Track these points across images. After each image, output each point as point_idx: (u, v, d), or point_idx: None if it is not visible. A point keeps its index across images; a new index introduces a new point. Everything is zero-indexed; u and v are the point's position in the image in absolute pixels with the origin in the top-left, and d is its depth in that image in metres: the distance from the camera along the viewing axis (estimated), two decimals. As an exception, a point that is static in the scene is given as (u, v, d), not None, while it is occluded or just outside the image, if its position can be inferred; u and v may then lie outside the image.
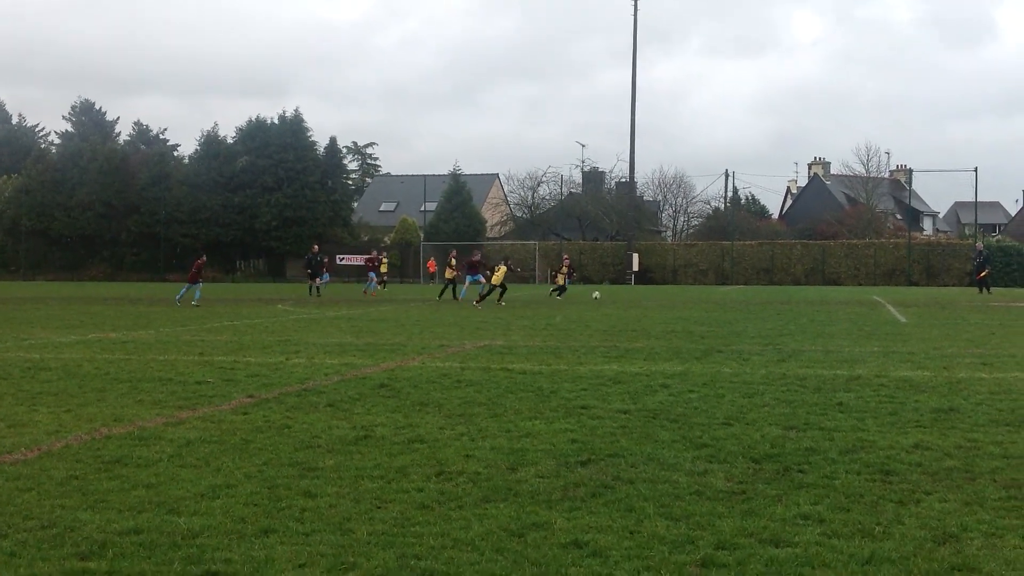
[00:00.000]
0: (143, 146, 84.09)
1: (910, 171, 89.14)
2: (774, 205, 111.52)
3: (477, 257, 38.65)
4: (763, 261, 72.36)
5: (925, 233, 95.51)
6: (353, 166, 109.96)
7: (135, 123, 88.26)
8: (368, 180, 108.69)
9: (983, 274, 46.43)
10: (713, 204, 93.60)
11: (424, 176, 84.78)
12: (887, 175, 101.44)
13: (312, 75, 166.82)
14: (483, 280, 36.76)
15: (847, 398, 11.14)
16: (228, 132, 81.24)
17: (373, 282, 45.16)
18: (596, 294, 31.55)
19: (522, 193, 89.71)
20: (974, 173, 71.53)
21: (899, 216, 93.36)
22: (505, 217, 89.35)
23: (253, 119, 79.26)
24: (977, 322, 25.03)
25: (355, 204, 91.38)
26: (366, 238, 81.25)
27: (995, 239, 78.58)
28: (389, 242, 77.96)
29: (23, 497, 6.69)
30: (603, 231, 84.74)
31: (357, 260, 70.07)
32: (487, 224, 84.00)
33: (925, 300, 40.05)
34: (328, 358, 15.76)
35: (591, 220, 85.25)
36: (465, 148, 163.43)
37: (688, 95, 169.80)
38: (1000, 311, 30.60)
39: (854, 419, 9.74)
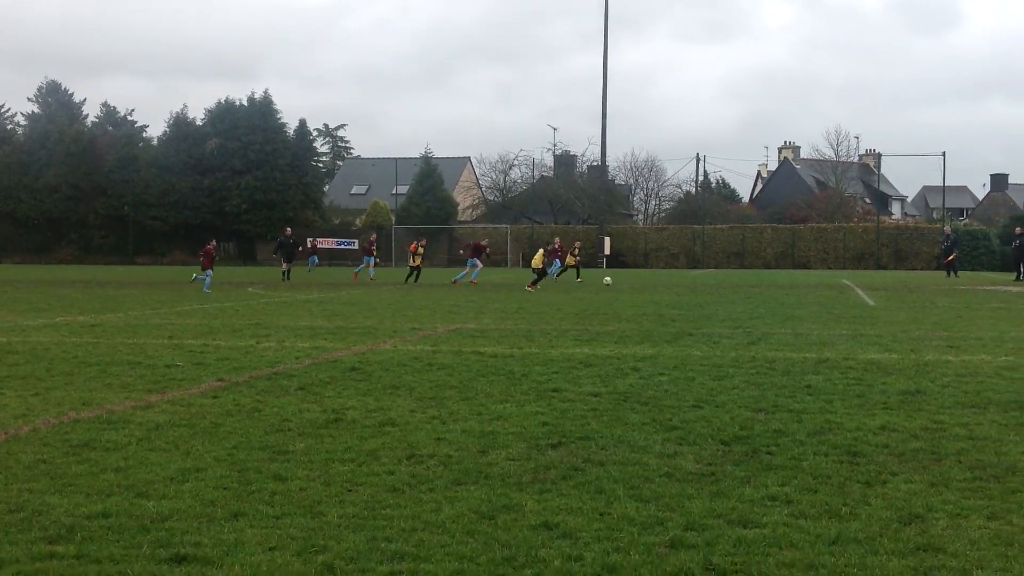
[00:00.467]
0: (111, 128, 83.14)
1: (879, 155, 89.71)
2: (744, 189, 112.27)
3: (485, 242, 39.31)
4: (734, 245, 72.68)
5: (894, 217, 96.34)
6: (324, 149, 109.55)
7: (103, 104, 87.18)
8: (339, 163, 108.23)
9: (951, 258, 46.83)
10: (684, 188, 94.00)
11: (395, 159, 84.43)
12: (856, 159, 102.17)
13: (282, 57, 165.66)
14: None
15: (815, 380, 11.23)
16: (197, 114, 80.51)
17: (370, 266, 44.50)
18: (608, 279, 31.73)
19: (494, 176, 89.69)
20: (942, 158, 71.91)
21: (868, 200, 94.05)
22: (477, 201, 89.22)
23: (222, 101, 78.73)
24: (944, 305, 25.27)
25: (326, 187, 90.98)
26: (337, 221, 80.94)
27: (963, 223, 79.35)
28: (360, 225, 77.68)
29: (-10, 481, 6.64)
30: (575, 215, 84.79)
31: (328, 244, 69.74)
32: (459, 207, 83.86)
33: (893, 283, 40.38)
34: (299, 341, 15.71)
35: (563, 204, 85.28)
36: (437, 131, 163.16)
37: (659, 79, 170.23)
38: (967, 294, 30.90)
39: (822, 401, 9.82)
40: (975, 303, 26.31)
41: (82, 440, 7.94)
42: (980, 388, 10.66)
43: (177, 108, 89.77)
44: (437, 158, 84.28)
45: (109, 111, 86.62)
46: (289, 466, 7.09)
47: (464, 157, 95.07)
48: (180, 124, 78.58)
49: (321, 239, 71.37)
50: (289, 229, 46.37)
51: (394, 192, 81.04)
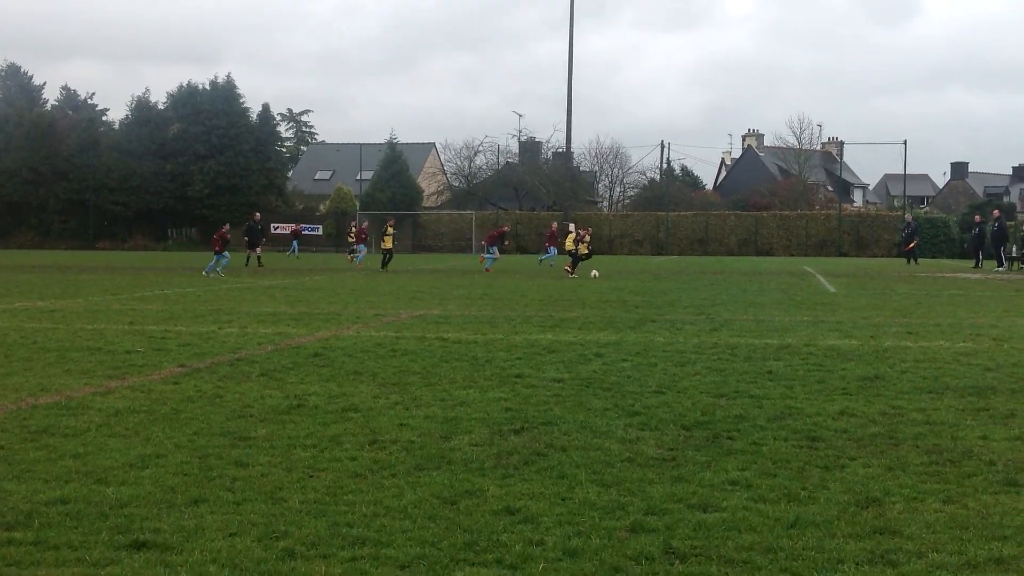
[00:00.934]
0: (71, 112, 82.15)
1: (841, 143, 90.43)
2: (708, 176, 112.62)
3: (506, 228, 39.35)
4: (697, 232, 72.99)
5: (855, 205, 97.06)
6: (288, 134, 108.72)
7: (63, 88, 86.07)
8: (303, 148, 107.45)
9: (911, 245, 47.31)
10: (648, 175, 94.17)
11: (360, 145, 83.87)
12: (819, 147, 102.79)
13: (245, 41, 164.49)
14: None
15: (776, 366, 11.32)
16: (159, 98, 79.70)
17: (361, 254, 44.22)
18: (595, 272, 31.90)
19: (459, 163, 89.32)
20: (903, 146, 72.48)
21: (830, 188, 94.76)
22: (442, 187, 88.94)
23: (185, 85, 77.99)
24: (904, 292, 25.54)
25: (290, 172, 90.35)
26: (300, 207, 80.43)
27: (923, 211, 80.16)
28: (324, 211, 77.25)
29: (-54, 468, 6.56)
30: (540, 201, 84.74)
31: (286, 229, 68.92)
32: (424, 193, 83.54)
33: (854, 270, 40.75)
34: (261, 327, 15.63)
35: (528, 190, 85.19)
36: (402, 117, 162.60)
37: (623, 67, 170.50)
38: (926, 281, 31.25)
39: (783, 387, 9.91)
40: (934, 290, 26.62)
41: (40, 426, 7.87)
42: (938, 374, 10.80)
43: (139, 92, 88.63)
44: (402, 144, 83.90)
45: (69, 94, 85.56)
46: (251, 452, 7.06)
47: (429, 143, 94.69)
48: (142, 108, 77.76)
49: (285, 224, 70.82)
50: (258, 214, 45.95)
51: (359, 178, 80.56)
